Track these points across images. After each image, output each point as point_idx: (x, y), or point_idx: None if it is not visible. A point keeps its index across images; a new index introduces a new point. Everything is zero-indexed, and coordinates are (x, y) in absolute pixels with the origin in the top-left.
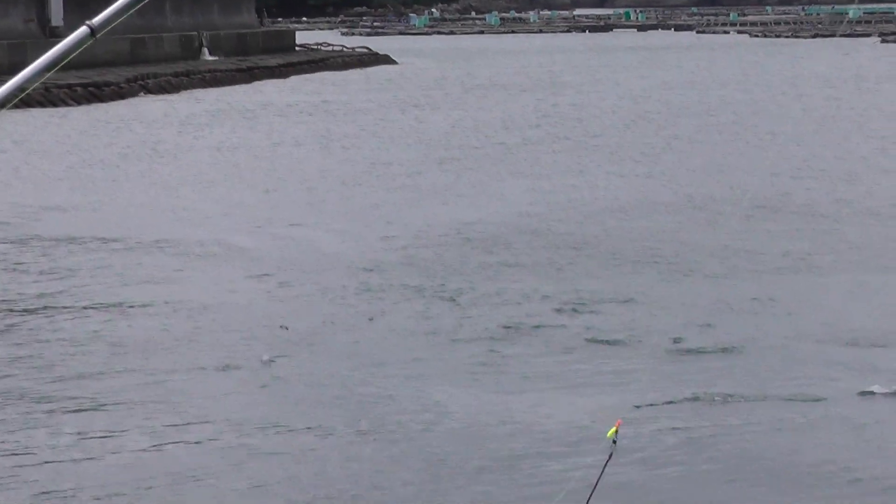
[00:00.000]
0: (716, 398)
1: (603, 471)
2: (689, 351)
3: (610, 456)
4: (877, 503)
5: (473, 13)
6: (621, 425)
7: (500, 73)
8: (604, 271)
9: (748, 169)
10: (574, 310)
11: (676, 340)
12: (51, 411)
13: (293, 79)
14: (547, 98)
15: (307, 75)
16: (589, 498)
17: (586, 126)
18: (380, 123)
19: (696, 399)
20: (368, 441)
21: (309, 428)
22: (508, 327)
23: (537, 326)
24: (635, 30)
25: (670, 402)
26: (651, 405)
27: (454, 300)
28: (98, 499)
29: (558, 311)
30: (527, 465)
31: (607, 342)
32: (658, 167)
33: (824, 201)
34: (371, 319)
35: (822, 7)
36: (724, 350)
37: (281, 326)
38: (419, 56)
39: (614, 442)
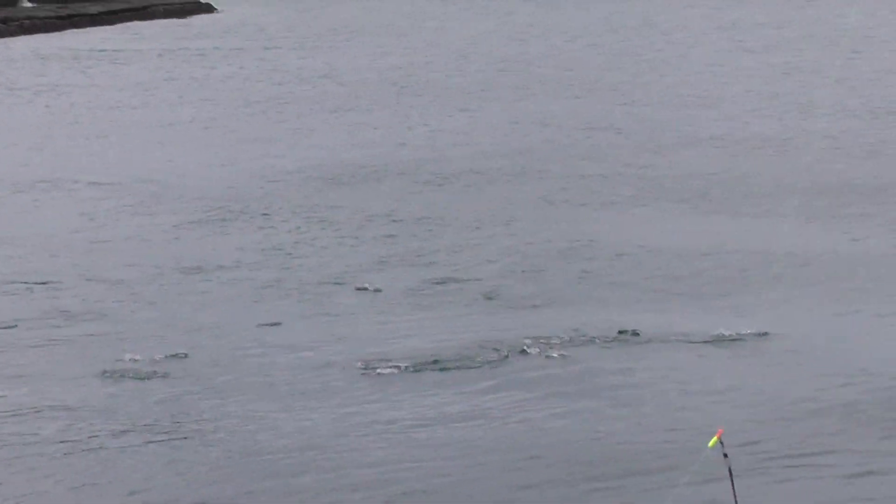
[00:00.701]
0: (532, 344)
1: (733, 483)
2: (509, 298)
3: (730, 471)
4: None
5: None
6: (723, 434)
7: (332, 18)
8: (425, 222)
9: (572, 120)
10: (394, 260)
11: (494, 289)
12: None
13: (116, 27)
14: (378, 46)
15: (128, 24)
16: None
17: (416, 75)
18: (202, 72)
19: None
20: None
21: (133, 360)
22: (336, 281)
23: (361, 282)
24: None
25: (482, 347)
26: (467, 348)
27: (280, 250)
28: None
29: (379, 262)
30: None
31: (429, 291)
32: (482, 116)
33: (644, 148)
34: (197, 272)
35: None
36: (546, 297)
37: None
38: (244, 3)
39: (725, 455)
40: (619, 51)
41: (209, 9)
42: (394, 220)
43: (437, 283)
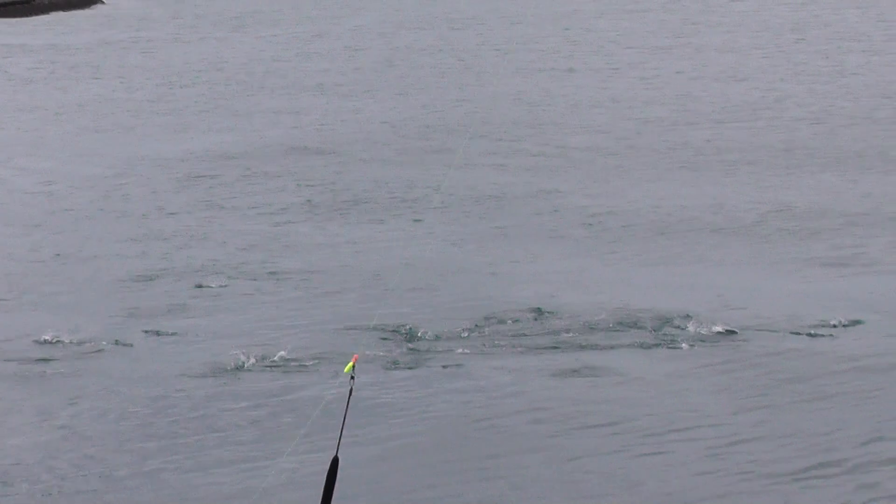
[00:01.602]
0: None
1: (348, 405)
2: (389, 288)
3: (350, 391)
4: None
5: None
6: (357, 360)
7: (216, 9)
8: (310, 211)
9: (467, 103)
10: (275, 249)
11: (378, 275)
12: None
13: (3, 21)
14: (272, 35)
15: (12, 19)
16: (342, 430)
17: (309, 66)
18: (87, 68)
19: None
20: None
21: None
22: (214, 264)
23: (241, 265)
24: None
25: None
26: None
27: (163, 239)
28: None
29: (259, 247)
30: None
31: (309, 278)
32: (370, 105)
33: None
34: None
35: None
36: (438, 286)
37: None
38: None
39: (352, 377)
40: (513, 38)
41: (95, 1)
42: (276, 210)
43: (322, 272)
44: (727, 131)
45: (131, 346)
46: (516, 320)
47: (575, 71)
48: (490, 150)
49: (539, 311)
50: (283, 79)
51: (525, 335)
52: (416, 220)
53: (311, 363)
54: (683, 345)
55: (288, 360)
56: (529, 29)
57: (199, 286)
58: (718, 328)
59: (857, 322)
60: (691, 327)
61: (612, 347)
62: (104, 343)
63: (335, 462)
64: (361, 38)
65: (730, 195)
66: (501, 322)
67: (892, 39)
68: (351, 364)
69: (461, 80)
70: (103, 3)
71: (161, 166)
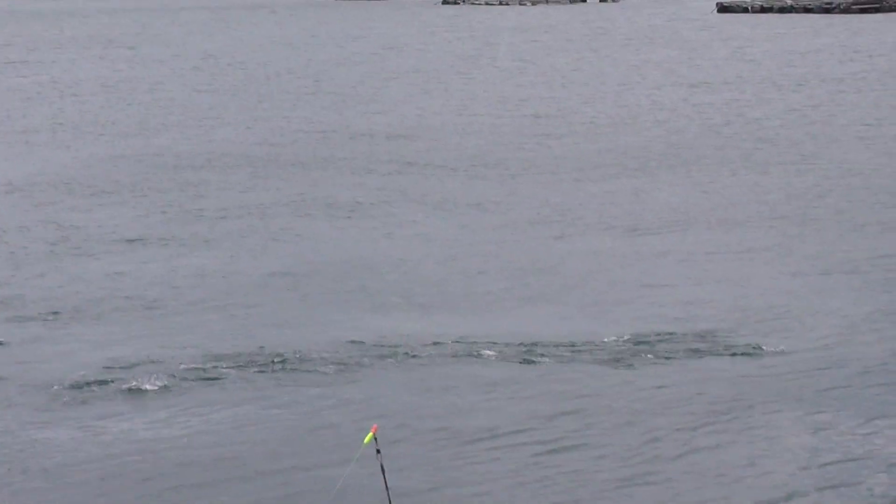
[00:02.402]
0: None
1: (386, 482)
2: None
3: (382, 467)
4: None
5: None
6: (377, 431)
7: (69, 33)
8: (160, 233)
9: (316, 121)
10: (121, 272)
11: (243, 304)
12: None
13: None
14: (124, 57)
15: None
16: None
17: (163, 87)
18: None
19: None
20: None
21: None
22: (66, 289)
23: (90, 289)
24: None
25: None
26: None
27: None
28: None
29: (103, 271)
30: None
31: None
32: (218, 127)
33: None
34: None
35: None
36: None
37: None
38: None
39: (378, 451)
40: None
41: None
42: (123, 231)
43: (168, 297)
44: (582, 144)
45: None
46: (350, 336)
47: (430, 92)
48: (348, 168)
49: (375, 327)
50: (134, 99)
51: (356, 349)
52: (263, 240)
53: (153, 390)
54: (505, 357)
55: (137, 388)
56: (388, 52)
57: (54, 313)
58: (535, 340)
59: (679, 334)
60: (517, 341)
61: (439, 360)
62: None
63: None
64: (217, 60)
65: (575, 205)
66: (332, 338)
67: (739, 58)
68: (371, 434)
69: (317, 103)
70: None
71: (5, 190)
